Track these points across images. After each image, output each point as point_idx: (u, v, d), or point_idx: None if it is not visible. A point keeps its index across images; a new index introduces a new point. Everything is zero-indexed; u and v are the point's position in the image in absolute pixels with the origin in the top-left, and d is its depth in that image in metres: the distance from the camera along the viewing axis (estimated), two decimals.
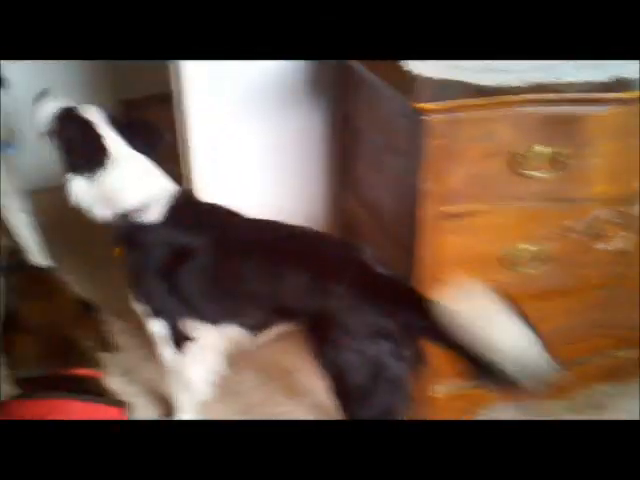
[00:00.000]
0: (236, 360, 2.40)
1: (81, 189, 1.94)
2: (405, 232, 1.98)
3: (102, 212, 1.96)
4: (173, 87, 2.22)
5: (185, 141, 2.26)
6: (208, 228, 1.92)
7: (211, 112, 2.23)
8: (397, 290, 1.75)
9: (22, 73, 2.93)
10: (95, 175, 1.91)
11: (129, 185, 1.93)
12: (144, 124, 2.04)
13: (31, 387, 1.36)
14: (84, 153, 1.92)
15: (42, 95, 2.02)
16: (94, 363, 1.45)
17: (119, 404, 1.39)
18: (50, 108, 1.98)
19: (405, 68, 1.91)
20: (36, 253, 2.97)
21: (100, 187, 1.92)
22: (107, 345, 1.51)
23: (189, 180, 2.30)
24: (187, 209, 1.97)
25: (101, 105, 3.27)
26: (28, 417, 1.30)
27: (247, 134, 2.30)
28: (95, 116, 1.97)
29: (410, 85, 1.85)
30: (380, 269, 1.76)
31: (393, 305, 1.70)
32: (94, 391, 1.39)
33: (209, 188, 2.19)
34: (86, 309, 1.50)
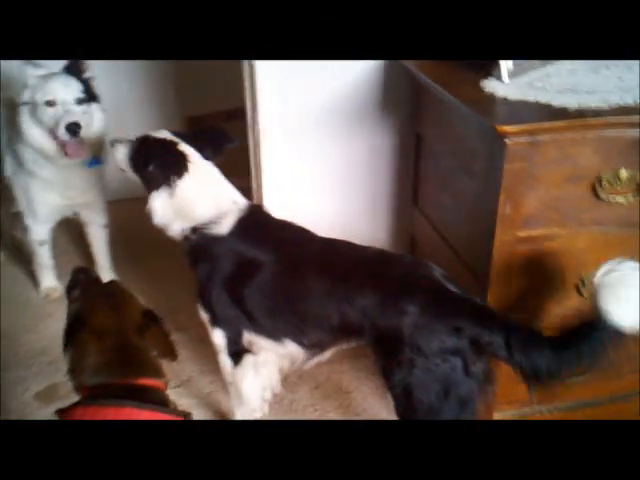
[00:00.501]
0: (291, 378, 2.41)
1: (161, 205, 1.97)
2: (477, 255, 1.96)
3: (178, 227, 1.99)
4: (247, 103, 2.24)
5: (257, 156, 2.28)
6: (276, 244, 1.93)
7: (283, 128, 2.25)
8: (468, 308, 1.73)
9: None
10: (174, 188, 1.94)
11: (202, 198, 1.96)
12: (211, 130, 2.11)
13: (96, 394, 1.37)
14: (165, 164, 1.95)
15: (115, 140, 2.11)
16: (158, 373, 1.46)
17: (184, 415, 1.39)
18: (125, 146, 2.06)
19: (483, 88, 1.91)
20: (106, 266, 3.04)
21: (177, 201, 1.95)
22: (170, 354, 1.51)
23: (259, 195, 2.31)
24: (256, 223, 1.99)
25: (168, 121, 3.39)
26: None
27: (318, 151, 2.32)
28: (167, 134, 2.02)
29: (488, 106, 1.84)
30: (451, 287, 1.75)
31: (464, 323, 1.68)
32: (158, 401, 1.39)
33: (279, 203, 2.19)
34: (151, 319, 1.50)
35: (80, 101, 2.55)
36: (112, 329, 1.42)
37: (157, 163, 1.95)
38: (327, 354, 2.03)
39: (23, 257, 3.22)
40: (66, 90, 2.53)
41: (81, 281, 1.61)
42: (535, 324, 1.78)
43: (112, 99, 3.42)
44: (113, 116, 3.42)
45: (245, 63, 2.18)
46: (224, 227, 1.93)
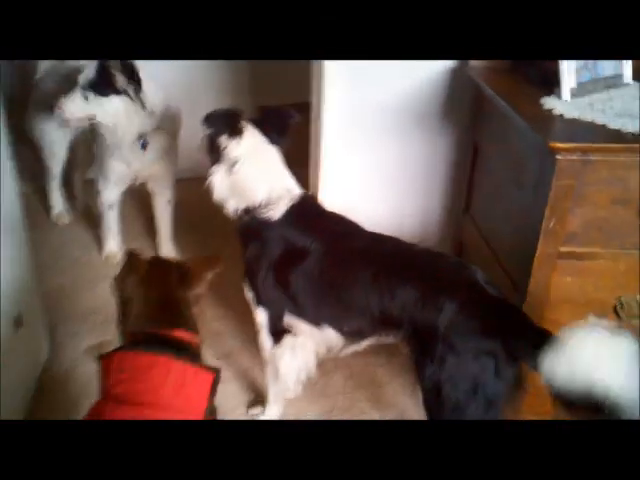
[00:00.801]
0: (327, 364, 2.49)
1: (220, 181, 2.07)
2: (519, 265, 2.00)
3: (233, 205, 2.08)
4: (313, 98, 2.32)
5: (317, 149, 2.36)
6: (324, 233, 2.01)
7: (345, 124, 2.32)
8: (505, 312, 1.77)
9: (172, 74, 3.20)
10: (233, 166, 2.03)
11: (258, 180, 2.04)
12: (276, 110, 2.19)
13: (137, 341, 1.47)
14: (224, 127, 2.04)
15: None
16: (194, 329, 1.55)
17: (213, 370, 1.47)
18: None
19: (543, 104, 1.96)
20: (167, 239, 3.19)
21: (234, 179, 2.04)
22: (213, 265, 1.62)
23: (315, 186, 2.39)
24: (307, 212, 2.07)
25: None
26: (127, 366, 1.40)
27: (377, 149, 2.39)
28: (236, 110, 2.12)
29: (544, 122, 1.89)
30: (491, 291, 1.80)
31: (500, 326, 1.73)
32: (192, 353, 1.48)
33: (333, 196, 2.27)
34: (188, 276, 1.59)
35: (84, 88, 2.69)
36: (156, 284, 1.53)
37: (213, 124, 2.04)
38: (363, 344, 2.09)
39: (91, 222, 3.41)
40: (83, 74, 2.70)
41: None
42: None
43: (188, 86, 3.60)
44: (188, 102, 3.61)
45: None
46: (276, 212, 2.01)
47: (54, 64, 3.16)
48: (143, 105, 2.72)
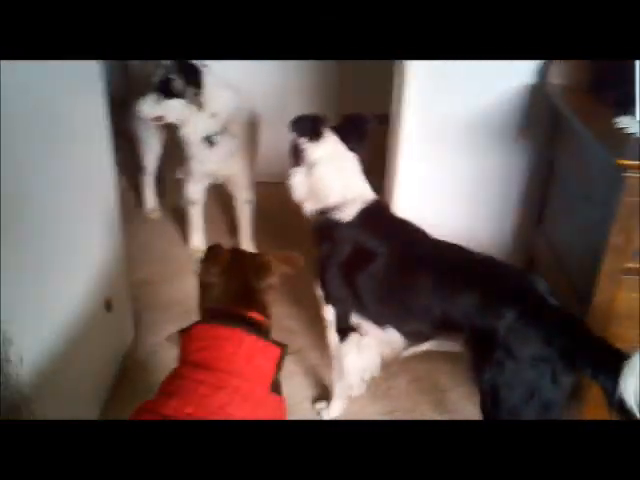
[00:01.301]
0: (392, 366, 2.56)
1: (299, 182, 2.20)
2: (585, 279, 2.04)
3: (310, 206, 2.21)
4: (393, 109, 2.41)
5: (395, 159, 2.45)
6: (393, 238, 2.10)
7: (423, 136, 2.40)
8: (565, 321, 1.82)
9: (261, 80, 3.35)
10: (312, 168, 2.15)
11: (334, 183, 2.15)
12: (354, 116, 2.29)
13: (213, 316, 1.62)
14: (306, 130, 2.17)
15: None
16: (266, 313, 1.67)
17: (280, 345, 1.58)
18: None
19: (616, 123, 1.99)
20: (247, 238, 3.36)
21: (312, 181, 2.17)
22: (293, 265, 1.74)
23: (390, 195, 2.48)
24: (378, 217, 2.16)
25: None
26: (205, 336, 1.55)
27: (452, 162, 2.46)
28: (319, 115, 2.24)
29: (615, 140, 1.93)
30: (551, 300, 1.85)
31: (558, 334, 1.77)
32: (262, 331, 1.60)
33: (407, 205, 2.35)
34: (264, 267, 1.70)
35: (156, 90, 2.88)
36: (234, 271, 1.66)
37: (297, 128, 2.17)
38: (424, 346, 2.16)
39: (180, 218, 3.61)
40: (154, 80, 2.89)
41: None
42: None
43: (277, 89, 3.76)
44: (275, 105, 3.76)
45: (397, 69, 2.35)
46: (347, 214, 2.11)
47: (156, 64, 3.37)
48: (201, 107, 2.89)
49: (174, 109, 2.91)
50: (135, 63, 3.48)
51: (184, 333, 1.60)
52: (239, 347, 1.51)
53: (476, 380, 1.94)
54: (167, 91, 2.88)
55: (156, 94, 2.89)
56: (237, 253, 1.77)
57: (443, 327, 2.00)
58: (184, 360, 1.57)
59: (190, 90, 2.86)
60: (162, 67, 2.87)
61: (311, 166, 2.16)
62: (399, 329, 2.11)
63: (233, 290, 1.64)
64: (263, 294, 1.66)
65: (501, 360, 1.83)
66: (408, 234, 2.14)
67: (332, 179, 2.16)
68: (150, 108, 2.93)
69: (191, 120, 2.94)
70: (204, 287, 1.70)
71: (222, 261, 1.68)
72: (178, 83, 2.85)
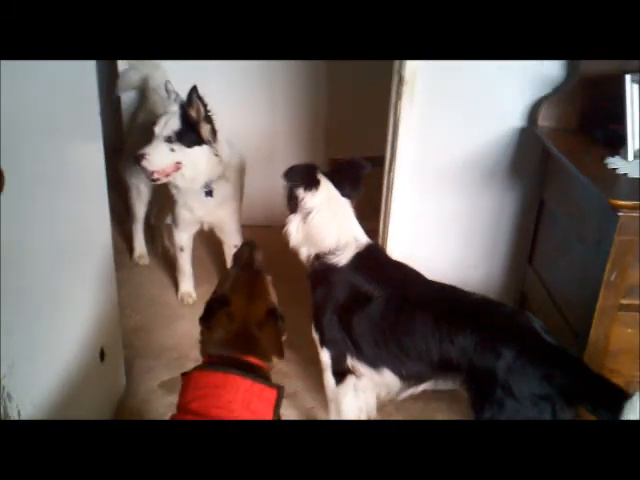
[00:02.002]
0: (388, 406, 2.56)
1: (295, 229, 2.22)
2: (580, 316, 2.07)
3: (306, 252, 2.23)
4: (387, 150, 2.45)
5: (387, 201, 2.48)
6: (387, 280, 2.12)
7: (416, 178, 2.44)
8: (562, 358, 1.85)
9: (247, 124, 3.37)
10: (307, 215, 2.18)
11: (329, 228, 2.18)
12: (348, 162, 2.33)
13: (212, 362, 1.62)
14: (302, 180, 2.19)
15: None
16: (266, 358, 1.67)
17: (276, 387, 1.59)
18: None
19: (607, 164, 2.04)
20: None
21: (308, 227, 2.19)
22: (277, 352, 1.69)
23: (384, 237, 2.51)
24: (373, 260, 2.19)
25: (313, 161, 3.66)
26: (204, 384, 1.55)
27: (445, 202, 2.50)
28: (312, 165, 2.27)
29: (607, 180, 1.98)
30: (548, 338, 1.88)
31: (555, 371, 1.80)
32: (260, 374, 1.59)
33: (400, 246, 2.37)
34: (272, 317, 1.69)
35: (169, 139, 2.77)
36: (240, 316, 1.65)
37: (292, 178, 2.20)
38: (420, 388, 2.17)
39: (169, 263, 3.60)
40: (163, 127, 2.77)
41: (243, 257, 1.87)
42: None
43: (265, 132, 3.80)
44: (264, 148, 3.78)
45: (391, 112, 2.39)
46: (343, 258, 2.14)
47: (150, 113, 3.39)
48: (217, 154, 2.86)
49: (197, 158, 2.82)
50: (127, 109, 3.50)
51: (185, 377, 1.61)
52: (236, 394, 1.52)
53: (476, 419, 1.94)
54: (190, 139, 2.80)
55: (171, 143, 2.79)
56: (250, 287, 1.75)
57: (441, 368, 2.01)
58: (183, 408, 1.57)
59: (213, 137, 2.82)
60: (173, 115, 2.79)
61: (307, 214, 2.18)
62: (396, 372, 2.12)
63: (235, 333, 1.64)
64: (263, 338, 1.65)
65: (501, 399, 1.85)
66: (403, 276, 2.16)
67: (327, 225, 2.18)
68: (163, 157, 2.79)
69: (206, 167, 2.87)
70: (207, 325, 1.69)
71: (231, 301, 1.67)
72: (205, 130, 2.80)
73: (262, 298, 1.73)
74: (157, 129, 2.79)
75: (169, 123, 2.79)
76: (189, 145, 2.80)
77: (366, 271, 2.13)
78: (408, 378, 2.12)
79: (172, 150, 2.79)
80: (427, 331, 2.00)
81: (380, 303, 2.08)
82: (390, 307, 2.07)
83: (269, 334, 1.66)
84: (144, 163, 2.78)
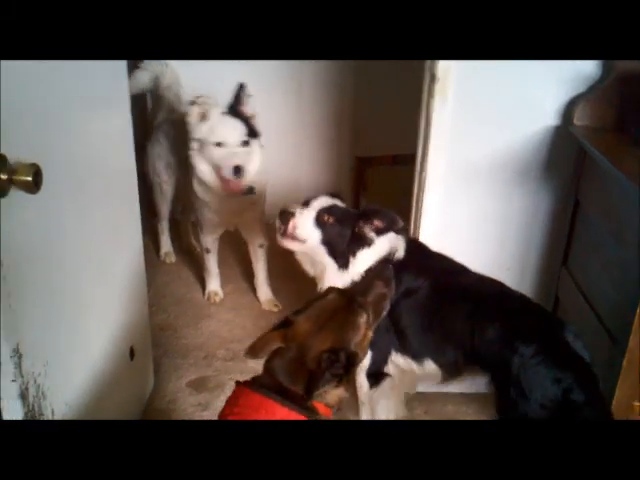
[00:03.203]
0: (417, 409, 2.56)
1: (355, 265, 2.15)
2: (618, 321, 2.01)
3: (356, 274, 2.14)
4: (419, 149, 2.42)
5: (419, 200, 2.45)
6: (432, 271, 2.14)
7: (448, 177, 2.40)
8: (579, 369, 1.83)
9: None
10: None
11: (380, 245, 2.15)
12: (378, 210, 2.17)
13: (260, 380, 1.56)
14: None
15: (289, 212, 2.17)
16: (312, 391, 1.53)
17: (316, 419, 1.52)
18: (309, 217, 2.15)
19: None
20: (263, 281, 3.32)
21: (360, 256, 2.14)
22: (309, 391, 1.52)
23: (416, 237, 2.47)
24: (417, 254, 2.20)
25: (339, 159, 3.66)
26: (242, 402, 1.51)
27: (478, 202, 2.45)
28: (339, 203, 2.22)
29: None
30: (576, 345, 1.86)
31: (568, 379, 1.79)
32: (302, 406, 1.51)
33: (430, 245, 2.33)
34: (334, 357, 1.54)
35: (244, 143, 2.83)
36: (298, 341, 1.55)
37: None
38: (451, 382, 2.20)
39: (195, 261, 3.60)
40: (234, 133, 2.81)
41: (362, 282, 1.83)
42: None
43: (294, 130, 3.79)
44: (293, 145, 3.77)
45: (423, 111, 2.37)
46: (396, 259, 2.13)
47: (169, 111, 3.41)
48: (262, 145, 2.92)
49: (253, 152, 2.88)
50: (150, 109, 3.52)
51: (235, 388, 1.57)
52: (272, 417, 1.47)
53: (496, 414, 1.96)
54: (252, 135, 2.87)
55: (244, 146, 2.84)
56: (325, 315, 1.60)
57: (474, 359, 2.02)
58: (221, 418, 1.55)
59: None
60: (226, 118, 2.83)
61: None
62: (437, 361, 2.12)
63: (285, 359, 1.55)
64: (313, 372, 1.52)
65: (514, 400, 1.85)
66: (446, 266, 2.18)
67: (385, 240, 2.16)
68: (253, 162, 2.86)
69: (256, 162, 2.91)
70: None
71: (300, 324, 1.58)
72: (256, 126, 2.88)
73: (334, 333, 1.57)
74: (229, 138, 2.80)
75: (237, 129, 2.82)
76: (248, 144, 2.86)
77: (412, 264, 2.14)
78: (447, 367, 2.12)
79: (247, 154, 2.85)
80: (464, 319, 2.01)
81: (426, 292, 2.09)
82: (435, 295, 2.09)
83: (317, 371, 1.51)
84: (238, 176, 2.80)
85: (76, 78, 1.75)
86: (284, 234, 2.14)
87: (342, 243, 2.12)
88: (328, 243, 2.13)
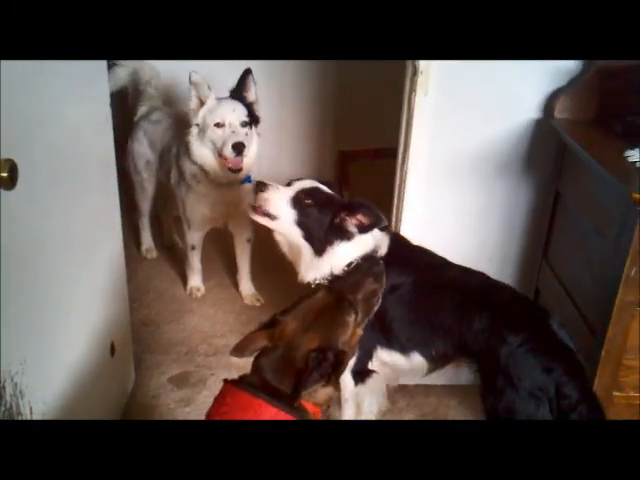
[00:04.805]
0: (400, 401, 2.57)
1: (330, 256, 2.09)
2: (597, 312, 2.03)
3: (336, 268, 2.09)
4: (400, 142, 2.42)
5: (400, 193, 2.45)
6: (416, 265, 2.13)
7: (429, 169, 2.40)
8: (565, 356, 1.86)
9: None
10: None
11: (364, 240, 2.10)
12: (364, 205, 2.09)
13: (249, 378, 1.53)
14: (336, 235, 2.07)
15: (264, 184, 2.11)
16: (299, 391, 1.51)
17: (305, 419, 1.50)
18: (285, 195, 2.07)
19: (627, 157, 2.00)
20: (245, 275, 3.31)
21: (340, 249, 2.08)
22: (296, 393, 1.49)
23: (397, 229, 2.47)
24: (401, 249, 2.18)
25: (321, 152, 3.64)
26: (230, 401, 1.49)
27: (459, 195, 2.46)
28: (321, 186, 2.14)
29: (627, 174, 1.93)
30: (561, 335, 1.89)
31: (557, 366, 1.81)
32: (290, 404, 1.47)
33: (414, 240, 2.32)
34: (322, 357, 1.51)
35: (244, 124, 2.85)
36: (285, 341, 1.52)
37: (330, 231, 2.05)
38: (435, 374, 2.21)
39: (177, 256, 3.57)
40: (233, 114, 2.83)
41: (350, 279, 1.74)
42: None
43: (275, 124, 3.77)
44: (274, 140, 3.76)
45: (405, 104, 2.36)
46: (379, 255, 2.10)
47: (151, 106, 3.38)
48: (259, 134, 2.95)
49: (252, 139, 2.91)
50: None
51: (222, 387, 1.54)
52: (260, 416, 1.44)
53: (482, 405, 1.96)
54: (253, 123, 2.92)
55: (244, 127, 2.85)
56: (311, 315, 1.57)
57: (461, 350, 2.03)
58: (209, 418, 1.52)
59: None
60: (226, 101, 2.85)
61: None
62: (425, 353, 2.12)
63: (273, 358, 1.52)
64: (300, 372, 1.49)
65: (501, 388, 1.87)
66: (429, 260, 2.17)
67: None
68: (249, 143, 2.87)
69: (255, 150, 2.95)
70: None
71: (287, 324, 1.55)
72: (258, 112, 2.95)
73: (322, 331, 1.54)
74: (228, 118, 2.82)
75: (237, 110, 2.83)
76: (250, 127, 2.89)
77: (395, 260, 2.10)
78: (436, 359, 2.12)
79: (246, 135, 2.86)
80: (451, 311, 2.01)
81: (410, 286, 2.08)
82: (421, 288, 2.08)
83: (304, 370, 1.48)
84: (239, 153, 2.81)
85: (56, 72, 1.73)
86: (254, 207, 2.08)
87: (319, 229, 2.05)
88: (303, 225, 2.05)
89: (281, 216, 2.06)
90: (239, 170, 2.87)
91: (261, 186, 2.06)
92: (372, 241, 2.11)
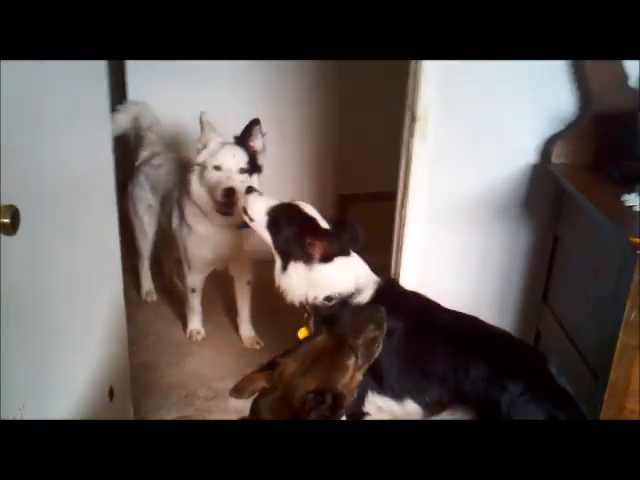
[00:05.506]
0: None
1: (297, 277, 2.15)
2: (599, 356, 2.03)
3: (310, 295, 2.15)
4: (400, 185, 2.45)
5: (400, 236, 2.47)
6: (409, 311, 2.10)
7: (428, 213, 2.43)
8: (569, 407, 1.82)
9: None
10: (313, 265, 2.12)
11: (345, 274, 2.13)
12: (349, 224, 2.22)
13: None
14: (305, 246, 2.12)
15: (254, 190, 2.32)
16: None
17: None
18: (264, 203, 2.22)
19: (623, 201, 2.02)
20: (245, 318, 3.31)
21: (315, 275, 2.12)
22: None
23: (397, 272, 2.49)
24: (392, 293, 2.16)
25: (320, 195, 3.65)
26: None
27: (458, 238, 2.49)
28: (313, 211, 2.21)
29: (625, 218, 1.96)
30: (560, 381, 1.86)
31: (559, 414, 1.78)
32: None
33: (414, 283, 2.34)
34: (320, 400, 1.50)
35: (242, 170, 2.86)
36: (285, 383, 1.53)
37: (299, 241, 2.12)
38: (440, 416, 2.10)
39: (177, 299, 3.57)
40: (233, 159, 2.85)
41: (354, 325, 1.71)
42: None
43: (276, 165, 3.80)
44: (273, 179, 3.78)
45: (404, 149, 2.39)
46: (364, 298, 2.10)
47: (152, 151, 3.42)
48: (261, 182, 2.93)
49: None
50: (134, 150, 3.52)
51: None
52: None
53: None
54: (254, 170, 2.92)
55: (241, 174, 2.86)
56: (312, 356, 1.58)
57: (458, 398, 1.99)
58: None
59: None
60: (229, 146, 2.86)
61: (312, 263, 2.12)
62: (418, 400, 2.08)
63: (272, 399, 1.53)
64: (301, 416, 1.49)
65: None
66: (422, 305, 2.15)
67: (343, 271, 2.14)
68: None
69: None
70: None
71: (286, 367, 1.56)
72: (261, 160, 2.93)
73: (321, 374, 1.54)
74: (227, 163, 2.84)
75: (237, 156, 2.86)
76: (251, 175, 2.91)
77: (387, 304, 2.05)
78: (431, 406, 2.08)
79: (242, 182, 2.84)
80: (446, 359, 1.98)
81: (403, 332, 2.05)
82: (413, 336, 2.05)
83: (302, 411, 1.48)
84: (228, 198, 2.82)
85: (57, 114, 1.75)
86: (243, 208, 2.27)
87: (283, 241, 2.15)
88: (271, 231, 2.18)
89: (256, 220, 2.22)
90: (226, 214, 2.89)
91: (250, 191, 2.29)
92: (352, 279, 2.11)
